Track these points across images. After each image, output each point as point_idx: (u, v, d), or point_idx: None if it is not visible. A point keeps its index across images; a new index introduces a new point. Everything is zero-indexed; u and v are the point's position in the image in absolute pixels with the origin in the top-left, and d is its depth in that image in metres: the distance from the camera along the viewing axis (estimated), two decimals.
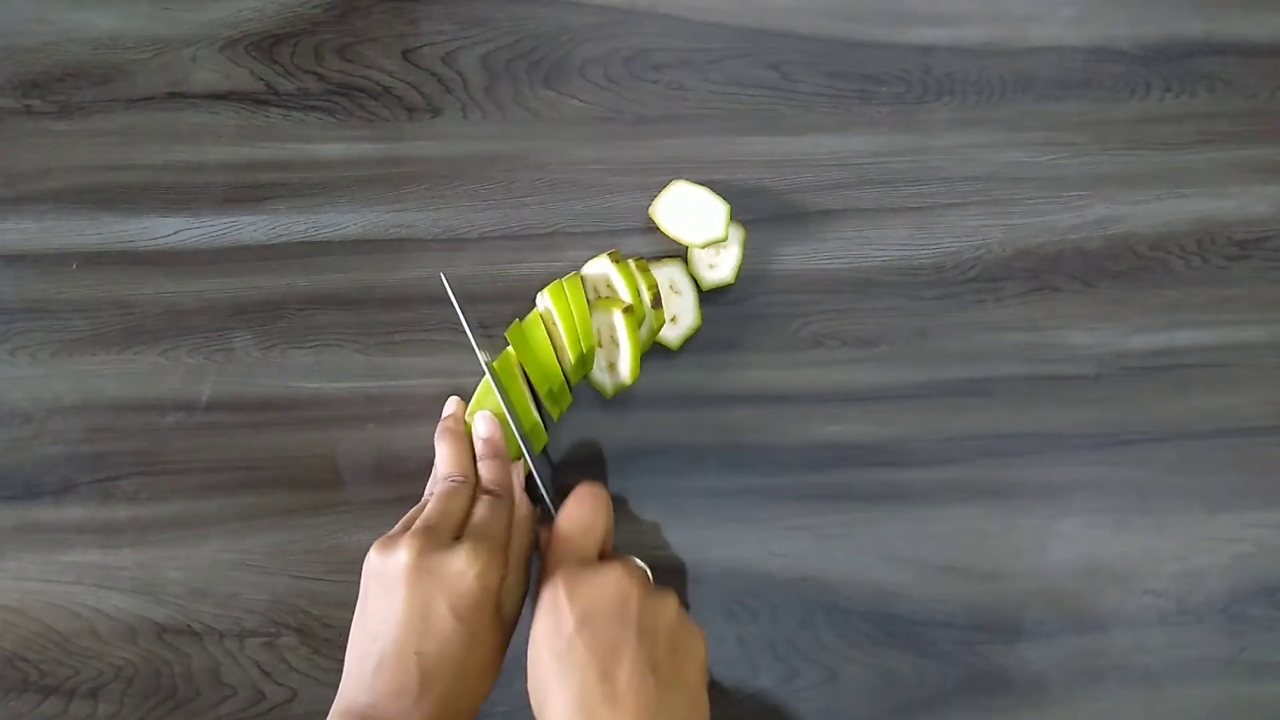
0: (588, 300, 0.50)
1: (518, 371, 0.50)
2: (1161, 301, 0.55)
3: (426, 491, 0.50)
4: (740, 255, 0.53)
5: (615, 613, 0.41)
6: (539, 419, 0.50)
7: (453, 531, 0.43)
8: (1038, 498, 0.53)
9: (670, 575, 0.52)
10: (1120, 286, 0.55)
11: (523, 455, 0.49)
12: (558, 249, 0.54)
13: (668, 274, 0.53)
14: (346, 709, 0.40)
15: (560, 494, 0.48)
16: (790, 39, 0.56)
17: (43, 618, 0.51)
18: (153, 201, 0.54)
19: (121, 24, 0.55)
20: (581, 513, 0.46)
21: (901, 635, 0.52)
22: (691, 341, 0.53)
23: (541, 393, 0.50)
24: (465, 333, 0.50)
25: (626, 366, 0.49)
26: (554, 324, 0.50)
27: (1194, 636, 0.52)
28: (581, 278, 0.51)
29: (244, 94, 0.55)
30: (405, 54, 0.55)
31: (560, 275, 0.52)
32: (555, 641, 0.41)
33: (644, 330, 0.51)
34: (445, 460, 0.47)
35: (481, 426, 0.48)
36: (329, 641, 0.52)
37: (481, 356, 0.49)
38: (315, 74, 0.55)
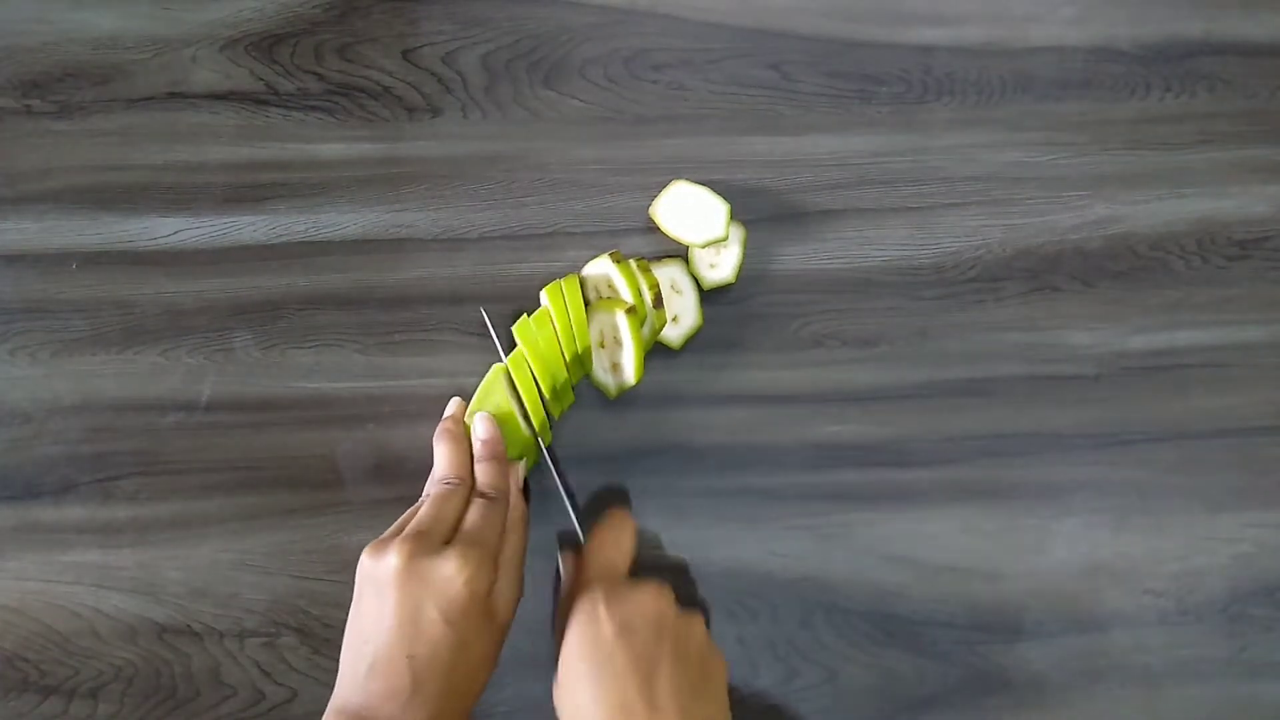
0: (587, 301, 0.50)
1: (528, 368, 0.50)
2: (1161, 301, 0.55)
3: (425, 492, 0.50)
4: (741, 254, 0.53)
5: (653, 626, 0.43)
6: (546, 417, 0.51)
7: (444, 536, 0.43)
8: (1038, 498, 0.53)
9: (670, 575, 0.52)
10: (1120, 286, 0.55)
11: (521, 457, 0.50)
12: (558, 249, 0.54)
13: (669, 274, 0.53)
14: (341, 709, 0.41)
15: (565, 502, 0.50)
16: (790, 39, 0.56)
17: (43, 618, 0.51)
18: (153, 201, 0.54)
19: (121, 24, 0.55)
20: (615, 534, 0.49)
21: (901, 635, 0.52)
22: (692, 341, 0.53)
23: (546, 390, 0.50)
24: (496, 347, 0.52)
25: (630, 367, 0.49)
26: (552, 324, 0.50)
27: (1194, 636, 0.52)
28: (581, 278, 0.51)
29: (244, 94, 0.55)
30: (405, 54, 0.55)
31: (560, 275, 0.52)
32: (594, 650, 0.42)
33: (646, 330, 0.51)
34: (442, 462, 0.47)
35: (480, 428, 0.48)
36: (329, 641, 0.52)
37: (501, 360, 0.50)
38: (315, 74, 0.55)
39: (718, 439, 0.53)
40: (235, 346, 0.53)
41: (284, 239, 0.54)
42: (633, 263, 0.51)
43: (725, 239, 0.51)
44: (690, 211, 0.51)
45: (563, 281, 0.50)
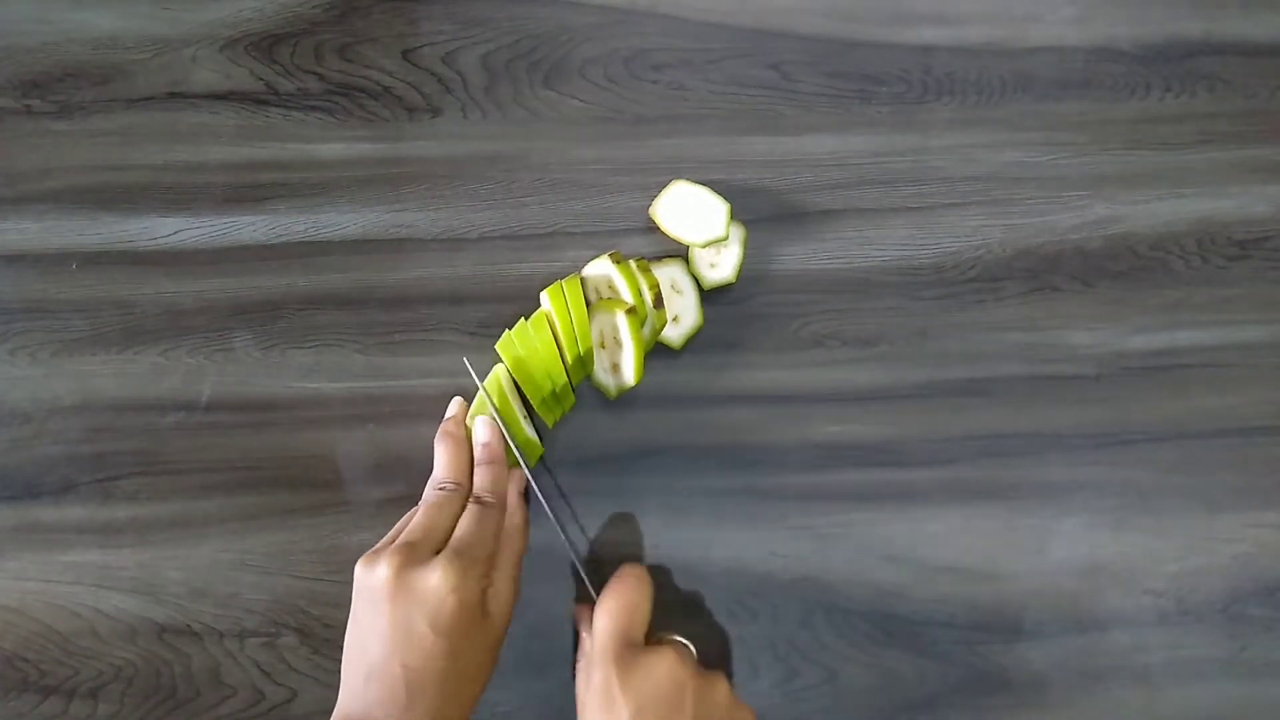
0: (588, 302, 0.50)
1: (509, 389, 0.50)
2: (1161, 301, 0.55)
3: (425, 493, 0.50)
4: (741, 254, 0.53)
5: (672, 701, 0.42)
6: (530, 434, 0.51)
7: (435, 545, 0.44)
8: (1038, 498, 0.53)
9: (670, 575, 0.52)
10: (1120, 286, 0.55)
11: (521, 464, 0.50)
12: (558, 249, 0.54)
13: (669, 274, 0.53)
14: (345, 717, 0.41)
15: (566, 503, 0.50)
16: (790, 39, 0.56)
17: (43, 618, 0.51)
18: (153, 201, 0.54)
19: (121, 24, 0.55)
20: (627, 595, 0.46)
21: (901, 635, 0.52)
22: (692, 341, 0.53)
23: (545, 394, 0.50)
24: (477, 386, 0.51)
25: (630, 367, 0.49)
26: (554, 325, 0.50)
27: (1194, 636, 0.52)
28: (581, 279, 0.51)
29: (244, 94, 0.55)
30: (405, 54, 0.55)
31: (560, 275, 0.52)
32: None
33: (646, 330, 0.51)
34: (441, 465, 0.48)
35: (481, 431, 0.48)
36: (329, 641, 0.52)
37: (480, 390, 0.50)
38: (315, 74, 0.55)
39: (718, 439, 0.53)
40: (235, 346, 0.53)
41: (284, 239, 0.54)
42: (633, 263, 0.51)
43: (725, 239, 0.51)
44: (690, 211, 0.51)
45: (564, 283, 0.50)
